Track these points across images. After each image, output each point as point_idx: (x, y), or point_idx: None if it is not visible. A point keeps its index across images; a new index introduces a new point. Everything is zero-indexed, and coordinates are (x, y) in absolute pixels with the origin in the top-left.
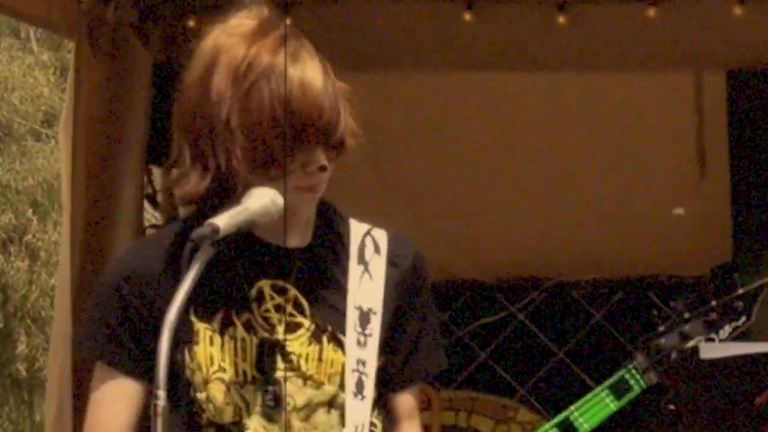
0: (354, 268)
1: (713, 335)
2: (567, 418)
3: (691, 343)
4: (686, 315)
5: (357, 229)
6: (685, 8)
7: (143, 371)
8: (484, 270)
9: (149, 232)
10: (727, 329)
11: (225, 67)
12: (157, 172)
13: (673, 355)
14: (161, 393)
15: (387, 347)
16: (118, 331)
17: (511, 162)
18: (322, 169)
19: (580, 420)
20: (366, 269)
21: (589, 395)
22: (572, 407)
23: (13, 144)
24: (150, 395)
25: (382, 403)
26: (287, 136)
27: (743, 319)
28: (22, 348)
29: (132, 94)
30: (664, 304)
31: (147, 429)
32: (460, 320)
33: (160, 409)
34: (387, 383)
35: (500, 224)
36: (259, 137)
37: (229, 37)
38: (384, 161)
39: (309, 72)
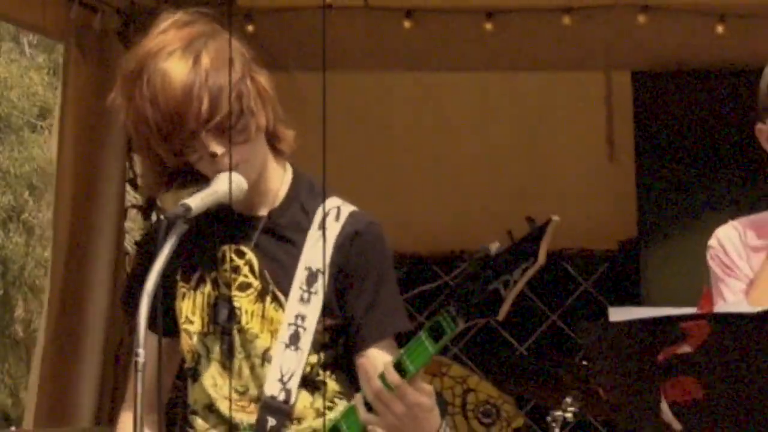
0: (313, 233)
1: (507, 277)
2: (399, 361)
3: (491, 287)
4: (485, 261)
5: (330, 202)
6: (595, 16)
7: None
8: (421, 244)
9: (130, 211)
10: (518, 271)
11: (119, 81)
12: (138, 159)
13: (475, 299)
14: (141, 351)
15: (339, 309)
16: (137, 291)
17: (444, 150)
18: (213, 155)
19: (407, 362)
20: (323, 234)
21: (413, 341)
22: (402, 351)
23: (11, 135)
24: (172, 347)
25: (342, 366)
26: (160, 129)
27: (531, 259)
28: (19, 312)
29: None
30: (578, 274)
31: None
32: (401, 288)
33: (140, 366)
34: (351, 346)
35: (435, 204)
36: (146, 136)
37: (130, 54)
38: (331, 149)
39: (172, 68)
